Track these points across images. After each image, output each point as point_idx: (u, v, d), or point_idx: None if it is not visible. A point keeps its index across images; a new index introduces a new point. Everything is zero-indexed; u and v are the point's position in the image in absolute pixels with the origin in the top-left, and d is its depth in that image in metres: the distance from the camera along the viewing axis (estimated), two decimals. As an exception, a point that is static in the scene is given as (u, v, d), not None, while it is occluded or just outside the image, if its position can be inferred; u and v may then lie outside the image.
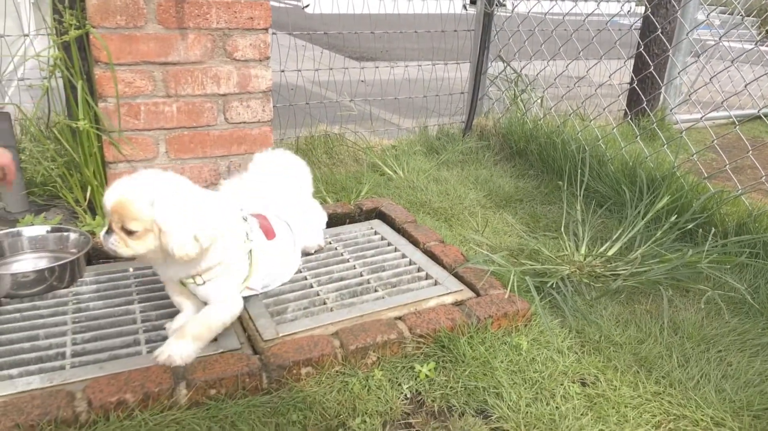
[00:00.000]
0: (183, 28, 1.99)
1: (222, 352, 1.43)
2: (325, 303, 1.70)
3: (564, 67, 3.14)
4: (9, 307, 1.60)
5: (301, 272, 1.87)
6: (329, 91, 3.61)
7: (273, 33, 2.97)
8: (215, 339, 1.48)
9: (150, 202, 1.31)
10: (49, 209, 2.18)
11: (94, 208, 2.08)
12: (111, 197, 1.32)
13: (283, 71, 3.15)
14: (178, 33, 1.99)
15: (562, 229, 2.23)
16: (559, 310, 1.77)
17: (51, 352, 1.43)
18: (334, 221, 2.23)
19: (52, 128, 2.11)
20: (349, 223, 2.30)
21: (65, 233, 1.88)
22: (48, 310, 1.61)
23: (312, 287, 1.79)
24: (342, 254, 2.00)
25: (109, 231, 1.35)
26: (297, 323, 1.58)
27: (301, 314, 1.64)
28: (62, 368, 1.37)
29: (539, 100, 3.40)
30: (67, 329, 1.53)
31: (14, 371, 1.35)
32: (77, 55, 1.98)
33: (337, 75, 3.46)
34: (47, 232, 1.88)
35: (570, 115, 3.15)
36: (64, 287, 1.70)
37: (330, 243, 2.08)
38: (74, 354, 1.43)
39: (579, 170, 2.59)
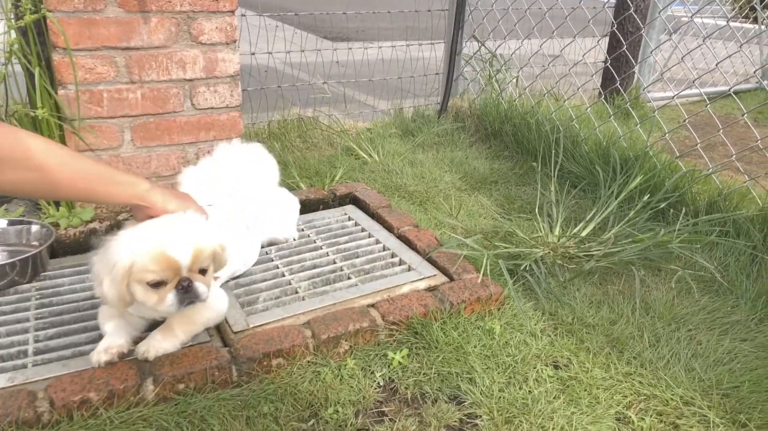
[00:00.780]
0: (145, 11, 1.93)
1: (191, 345, 1.40)
2: (297, 292, 1.68)
3: (539, 46, 3.12)
4: (-31, 304, 1.56)
5: (273, 260, 1.84)
6: (302, 72, 3.54)
7: (242, 15, 2.89)
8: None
9: (207, 234, 1.34)
10: (11, 200, 2.11)
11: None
12: (184, 254, 1.26)
13: (253, 54, 3.08)
14: (140, 16, 1.93)
15: (537, 210, 2.23)
16: (532, 293, 1.77)
17: (12, 350, 1.39)
18: (307, 207, 2.20)
19: (11, 117, 2.04)
20: (323, 209, 2.27)
21: (27, 226, 1.83)
22: (9, 306, 1.56)
23: (284, 275, 1.76)
24: (315, 242, 1.98)
25: (185, 288, 1.28)
26: (268, 313, 1.56)
27: (272, 304, 1.61)
28: (24, 367, 1.33)
29: (514, 80, 3.37)
30: (30, 325, 1.48)
31: (-26, 371, 1.31)
32: (35, 41, 1.90)
33: (310, 56, 3.40)
34: (8, 224, 1.82)
35: (544, 95, 3.14)
36: (27, 282, 1.66)
37: (303, 230, 2.05)
38: (37, 352, 1.39)
39: (553, 151, 2.59)
